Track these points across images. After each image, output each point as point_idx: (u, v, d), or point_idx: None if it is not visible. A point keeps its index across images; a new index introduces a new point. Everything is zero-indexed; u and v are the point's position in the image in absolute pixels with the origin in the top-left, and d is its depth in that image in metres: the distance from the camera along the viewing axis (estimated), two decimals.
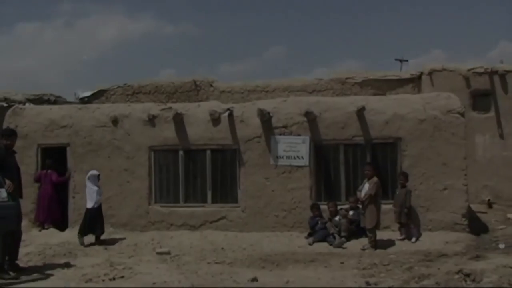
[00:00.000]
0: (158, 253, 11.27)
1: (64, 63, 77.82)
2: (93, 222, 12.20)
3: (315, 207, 12.31)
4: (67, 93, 20.05)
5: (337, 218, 12.15)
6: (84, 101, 18.66)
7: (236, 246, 11.83)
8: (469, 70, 16.53)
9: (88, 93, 19.17)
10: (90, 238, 12.35)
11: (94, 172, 12.48)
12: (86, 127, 13.56)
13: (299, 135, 12.81)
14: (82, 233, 12.22)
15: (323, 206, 12.41)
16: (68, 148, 13.65)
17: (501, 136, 16.49)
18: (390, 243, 11.69)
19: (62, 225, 13.52)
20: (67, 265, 10.16)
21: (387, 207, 12.09)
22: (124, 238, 12.65)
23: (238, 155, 13.00)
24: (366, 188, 11.43)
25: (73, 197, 13.55)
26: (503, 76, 16.44)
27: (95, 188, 12.30)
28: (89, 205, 12.24)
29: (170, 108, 13.39)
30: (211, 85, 18.57)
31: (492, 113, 16.53)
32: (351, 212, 12.18)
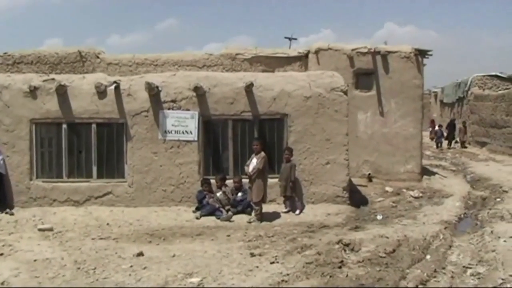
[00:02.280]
0: (40, 230, 10.84)
1: None
2: None
3: (206, 182, 12.35)
4: None
5: (218, 194, 12.27)
6: None
7: (122, 222, 11.63)
8: (353, 50, 17.20)
9: None
10: None
11: None
12: None
13: (188, 110, 12.73)
14: None
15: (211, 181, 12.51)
16: None
17: (382, 113, 17.37)
18: (275, 215, 12.04)
19: None
20: None
21: (273, 181, 12.40)
22: (3, 214, 12.03)
23: (125, 129, 12.70)
24: (254, 163, 11.64)
25: None
26: (385, 56, 17.26)
27: None
28: None
29: (53, 79, 12.78)
30: (98, 57, 17.90)
31: (373, 92, 17.34)
32: (239, 194, 12.33)
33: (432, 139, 33.03)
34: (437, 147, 30.84)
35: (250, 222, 11.49)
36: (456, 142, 31.31)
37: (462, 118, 32.94)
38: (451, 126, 31.64)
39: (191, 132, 12.75)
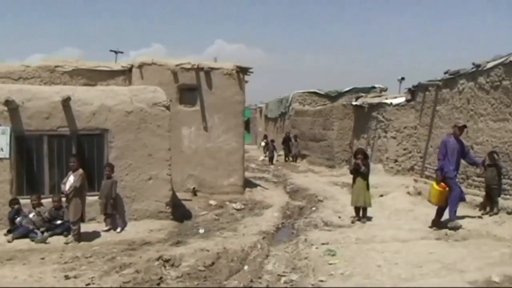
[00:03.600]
0: None
1: None
2: None
3: (15, 203, 11.54)
4: None
5: (31, 215, 11.53)
6: None
7: None
8: (177, 65, 17.34)
9: None
10: None
11: None
12: None
13: None
14: None
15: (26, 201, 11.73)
16: None
17: (205, 128, 17.70)
18: (95, 235, 11.60)
19: None
20: None
21: (93, 198, 12.01)
22: None
23: None
24: (71, 180, 11.13)
25: None
26: (208, 72, 17.64)
27: None
28: None
29: None
30: None
31: (197, 107, 17.61)
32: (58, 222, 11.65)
33: (265, 153, 33.37)
34: (270, 162, 30.43)
35: (67, 243, 10.92)
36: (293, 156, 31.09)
37: (284, 132, 34.75)
38: (287, 140, 31.56)
39: (2, 149, 11.87)
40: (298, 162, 30.04)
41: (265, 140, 35.94)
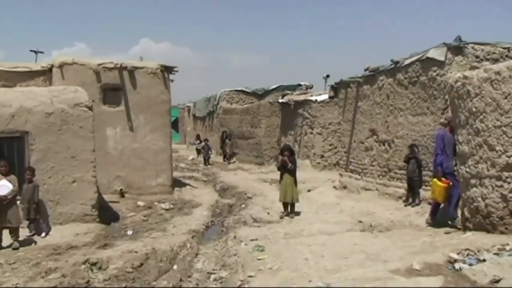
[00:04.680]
0: None
1: None
2: None
3: None
4: None
5: None
6: None
7: None
8: (99, 65, 16.94)
9: None
10: None
11: None
12: None
13: None
14: None
15: None
16: None
17: (131, 128, 17.41)
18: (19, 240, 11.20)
19: None
20: None
21: None
22: None
23: None
24: (7, 184, 10.64)
25: None
26: (132, 72, 17.35)
27: None
28: None
29: None
30: None
31: (122, 107, 17.31)
32: None
33: (199, 153, 32.78)
34: (205, 163, 29.32)
35: (16, 249, 10.49)
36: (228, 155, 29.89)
37: (213, 131, 34.71)
38: (224, 139, 30.36)
39: None
40: (232, 162, 29.12)
41: (197, 141, 34.65)
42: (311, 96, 23.26)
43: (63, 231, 11.94)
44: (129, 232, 12.43)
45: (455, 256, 7.71)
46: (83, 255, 10.00)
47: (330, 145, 21.31)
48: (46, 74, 16.97)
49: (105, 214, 13.68)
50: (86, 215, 12.51)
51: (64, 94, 12.65)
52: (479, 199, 9.07)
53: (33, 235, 11.59)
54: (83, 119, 12.55)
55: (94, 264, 9.34)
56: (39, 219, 11.76)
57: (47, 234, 11.69)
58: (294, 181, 13.34)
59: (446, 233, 9.88)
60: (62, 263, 9.49)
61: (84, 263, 9.34)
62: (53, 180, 12.25)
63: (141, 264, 9.50)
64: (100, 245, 10.94)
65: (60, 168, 12.31)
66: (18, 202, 11.14)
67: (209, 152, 30.20)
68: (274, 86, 33.62)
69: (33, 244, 11.08)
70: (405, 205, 13.22)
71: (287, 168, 13.19)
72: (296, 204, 13.46)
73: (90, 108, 12.73)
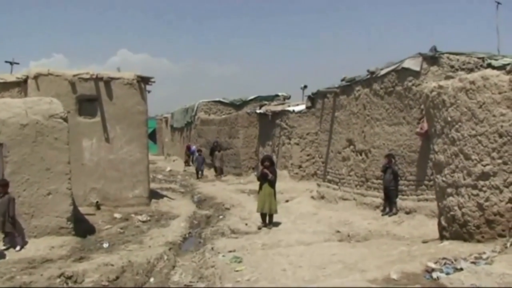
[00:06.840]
0: None
1: None
2: None
3: None
4: None
5: None
6: None
7: None
8: (74, 75, 16.74)
9: None
10: None
11: None
12: None
13: None
14: None
15: None
16: None
17: (107, 140, 17.21)
18: None
19: None
20: None
21: None
22: None
23: None
24: None
25: None
26: (108, 82, 17.18)
27: None
28: None
29: None
30: None
31: (98, 118, 17.10)
32: None
33: (187, 164, 32.24)
34: (198, 176, 27.38)
35: None
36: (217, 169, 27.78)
37: (191, 142, 34.55)
38: (214, 150, 28.39)
39: None
40: (223, 177, 26.83)
41: (188, 152, 33.07)
42: (289, 106, 23.36)
43: (38, 244, 11.71)
44: (105, 245, 12.26)
45: (433, 265, 7.75)
46: (58, 268, 9.87)
47: (308, 155, 21.38)
48: (21, 85, 16.72)
49: (81, 226, 13.46)
50: (61, 228, 12.29)
51: (39, 106, 12.47)
52: (456, 208, 9.14)
53: (8, 248, 11.36)
54: (58, 130, 12.38)
55: (69, 277, 9.23)
56: (14, 232, 11.53)
57: (22, 247, 11.46)
58: (274, 192, 13.33)
59: (424, 242, 9.94)
60: (37, 276, 9.37)
61: (59, 276, 9.23)
62: (28, 193, 12.03)
63: (117, 277, 9.42)
64: (76, 258, 10.79)
65: (34, 180, 12.09)
66: None
67: (203, 164, 27.98)
68: (252, 97, 33.75)
69: (7, 257, 10.88)
70: (382, 215, 13.29)
71: (267, 179, 13.18)
72: (274, 215, 13.44)
73: (65, 120, 12.56)
